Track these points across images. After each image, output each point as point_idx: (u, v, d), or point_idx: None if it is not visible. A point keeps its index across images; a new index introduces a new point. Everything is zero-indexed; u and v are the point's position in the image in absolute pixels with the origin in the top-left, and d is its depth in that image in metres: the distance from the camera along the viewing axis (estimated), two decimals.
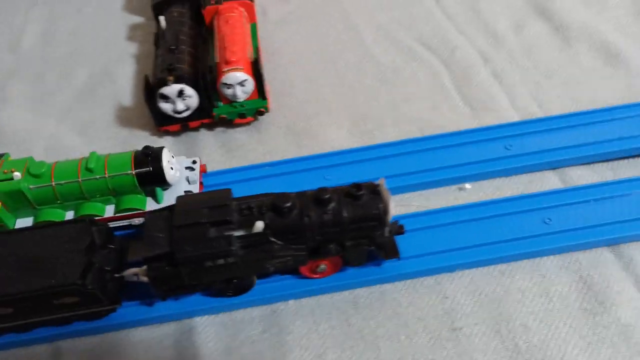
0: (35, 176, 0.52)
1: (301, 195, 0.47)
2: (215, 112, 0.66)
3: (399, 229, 0.49)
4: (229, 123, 0.68)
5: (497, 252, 0.52)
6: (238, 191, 0.50)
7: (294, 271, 0.51)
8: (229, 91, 0.64)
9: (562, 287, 0.51)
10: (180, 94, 0.62)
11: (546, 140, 0.62)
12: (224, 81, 0.63)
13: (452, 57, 0.75)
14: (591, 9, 0.81)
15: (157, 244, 0.45)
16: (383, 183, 0.47)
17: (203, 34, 0.75)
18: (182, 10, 0.73)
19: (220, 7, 0.73)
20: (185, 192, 0.55)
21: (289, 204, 0.45)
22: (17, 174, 0.51)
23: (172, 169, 0.54)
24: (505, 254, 0.52)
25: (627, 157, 0.61)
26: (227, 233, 0.44)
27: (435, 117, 0.67)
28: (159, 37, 0.71)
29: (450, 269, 0.52)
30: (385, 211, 0.46)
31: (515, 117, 0.66)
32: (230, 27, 0.69)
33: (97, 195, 0.53)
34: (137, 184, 0.53)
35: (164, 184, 0.54)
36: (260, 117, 0.68)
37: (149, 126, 0.70)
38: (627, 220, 0.53)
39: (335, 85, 0.73)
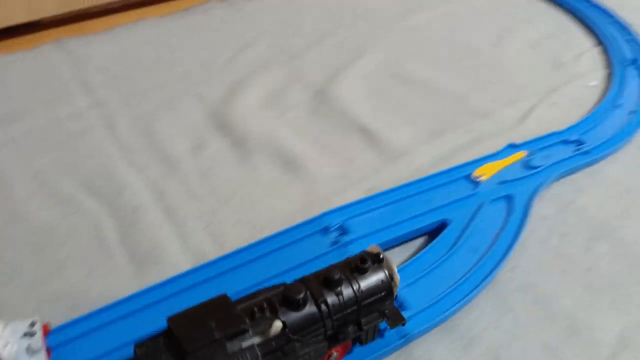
0: None
1: (306, 280, 0.43)
2: None
3: None
4: None
5: None
6: None
7: None
8: None
9: None
10: None
11: (224, 283, 0.54)
12: None
13: (119, 200, 0.65)
14: (271, 112, 0.78)
15: None
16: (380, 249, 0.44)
17: None
18: None
19: None
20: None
21: (302, 295, 0.40)
22: None
23: (6, 345, 0.43)
24: None
25: None
26: (246, 344, 0.39)
27: (91, 286, 0.56)
28: None
29: None
30: (393, 278, 0.44)
31: (186, 264, 0.57)
32: None
33: None
34: None
35: None
36: None
37: None
38: None
39: None
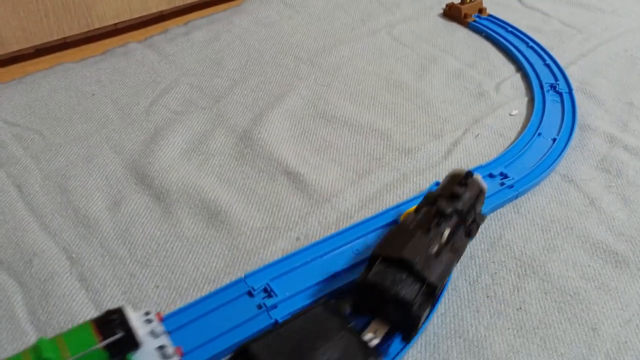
0: None
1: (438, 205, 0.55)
2: None
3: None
4: None
5: None
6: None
7: None
8: None
9: None
10: None
11: None
12: None
13: (29, 269, 0.60)
14: (194, 160, 0.75)
15: None
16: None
17: None
18: None
19: None
20: (156, 348, 0.45)
21: (450, 209, 0.55)
22: None
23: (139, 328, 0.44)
24: None
25: None
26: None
27: None
28: None
29: None
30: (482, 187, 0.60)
31: None
32: None
33: None
34: (109, 357, 0.43)
35: (137, 347, 0.44)
36: None
37: None
38: None
39: None
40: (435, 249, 0.51)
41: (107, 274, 0.60)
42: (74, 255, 0.62)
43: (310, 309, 0.47)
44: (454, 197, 0.56)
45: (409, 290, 0.48)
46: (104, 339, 0.43)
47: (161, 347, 0.46)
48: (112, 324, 0.43)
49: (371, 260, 0.51)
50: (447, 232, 0.53)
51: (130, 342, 0.44)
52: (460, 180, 0.58)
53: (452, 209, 0.55)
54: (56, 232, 0.65)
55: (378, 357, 0.45)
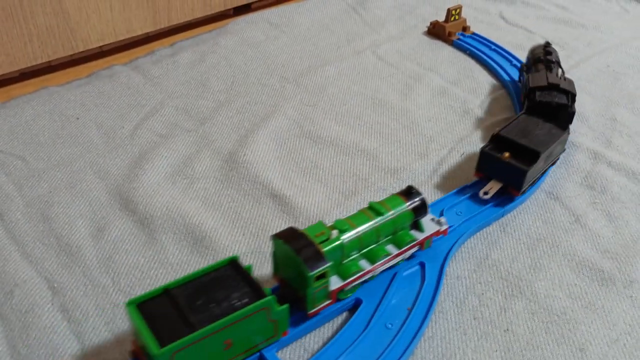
0: (343, 231, 0.55)
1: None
2: None
3: None
4: None
5: None
6: None
7: None
8: None
9: None
10: None
11: None
12: None
13: (10, 300, 0.59)
14: (178, 184, 0.75)
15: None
16: None
17: None
18: None
19: None
20: (432, 219, 0.63)
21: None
22: (334, 232, 0.55)
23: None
24: None
25: None
26: None
27: None
28: None
29: None
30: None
31: None
32: None
33: (383, 238, 0.58)
34: (412, 218, 0.60)
35: (425, 214, 0.61)
36: None
37: None
38: None
39: None
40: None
41: (90, 304, 0.59)
42: (55, 285, 0.61)
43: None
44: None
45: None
46: (410, 203, 0.60)
47: (434, 219, 0.62)
48: (413, 196, 0.60)
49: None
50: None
51: (423, 208, 0.60)
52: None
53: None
54: (38, 261, 0.64)
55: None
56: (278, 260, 0.55)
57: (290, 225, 0.57)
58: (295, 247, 0.51)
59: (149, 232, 0.68)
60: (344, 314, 0.58)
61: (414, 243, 0.60)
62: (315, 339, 0.56)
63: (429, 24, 1.14)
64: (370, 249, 0.57)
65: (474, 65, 1.03)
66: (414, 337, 0.54)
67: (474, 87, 0.97)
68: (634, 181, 0.76)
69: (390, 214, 0.58)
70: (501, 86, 0.97)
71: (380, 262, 0.57)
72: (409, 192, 0.60)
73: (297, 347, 0.55)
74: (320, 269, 0.50)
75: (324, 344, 0.54)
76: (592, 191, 0.75)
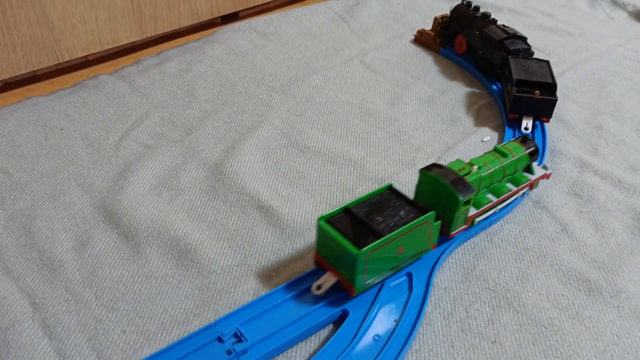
0: (480, 167, 0.66)
1: None
2: None
3: None
4: None
5: None
6: None
7: None
8: None
9: None
10: None
11: None
12: None
13: None
14: (164, 195, 0.74)
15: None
16: None
17: None
18: None
19: None
20: (539, 164, 0.75)
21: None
22: (474, 168, 0.65)
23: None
24: None
25: None
26: None
27: None
28: None
29: None
30: None
31: None
32: None
33: (505, 177, 0.69)
34: (527, 161, 0.71)
35: (537, 159, 0.72)
36: None
37: None
38: None
39: None
40: None
41: (72, 320, 0.58)
42: (37, 301, 0.60)
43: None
44: None
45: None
46: (527, 149, 0.70)
47: (539, 165, 0.73)
48: (529, 143, 0.70)
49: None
50: None
51: (536, 154, 0.71)
52: None
53: None
54: (19, 277, 0.63)
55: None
56: (422, 191, 0.64)
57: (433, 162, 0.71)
58: (446, 177, 0.61)
59: (133, 245, 0.67)
60: (330, 326, 0.58)
61: (527, 183, 0.70)
62: (302, 352, 0.55)
63: (415, 33, 1.14)
64: (495, 185, 0.68)
65: (460, 74, 1.03)
66: (401, 350, 0.53)
67: (461, 96, 0.97)
68: (620, 189, 0.77)
69: (513, 157, 0.68)
70: (487, 94, 0.97)
71: (503, 196, 0.67)
72: (525, 140, 0.71)
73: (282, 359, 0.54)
74: (469, 195, 0.61)
75: (311, 356, 0.54)
76: (578, 200, 0.75)
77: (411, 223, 0.57)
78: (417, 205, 0.60)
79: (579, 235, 0.69)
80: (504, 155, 0.68)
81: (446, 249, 0.64)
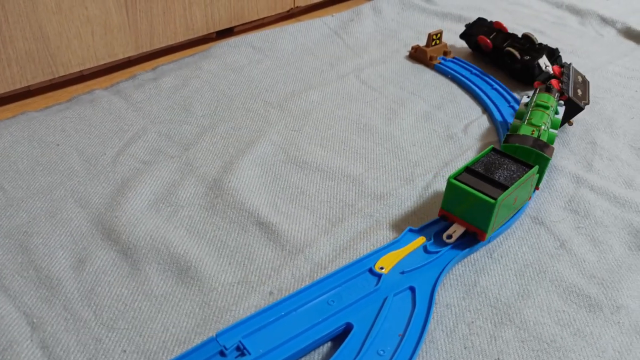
0: (541, 124, 0.80)
1: None
2: None
3: None
4: None
5: None
6: None
7: None
8: None
9: None
10: None
11: None
12: None
13: None
14: (162, 212, 0.74)
15: None
16: None
17: None
18: None
19: None
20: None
21: None
22: (542, 127, 0.79)
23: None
24: None
25: None
26: None
27: None
28: None
29: None
30: None
31: None
32: None
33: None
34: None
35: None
36: None
37: None
38: None
39: None
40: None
41: (71, 340, 0.57)
42: (35, 320, 0.59)
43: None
44: None
45: None
46: (555, 96, 0.85)
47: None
48: (553, 90, 0.85)
49: None
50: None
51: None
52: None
53: None
54: (17, 295, 0.62)
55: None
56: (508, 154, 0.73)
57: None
58: (529, 143, 0.74)
59: (132, 262, 0.66)
60: (329, 344, 0.57)
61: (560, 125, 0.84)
62: None
63: (410, 49, 1.15)
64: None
65: (456, 89, 1.04)
66: None
67: (457, 112, 0.98)
68: (615, 205, 0.77)
69: (552, 106, 0.82)
70: (483, 110, 0.98)
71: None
72: (549, 89, 0.84)
73: None
74: (552, 152, 0.75)
75: None
76: (576, 215, 0.75)
77: (526, 175, 0.68)
78: (522, 162, 0.70)
79: (577, 251, 0.70)
80: (546, 107, 0.81)
81: (448, 262, 0.64)
